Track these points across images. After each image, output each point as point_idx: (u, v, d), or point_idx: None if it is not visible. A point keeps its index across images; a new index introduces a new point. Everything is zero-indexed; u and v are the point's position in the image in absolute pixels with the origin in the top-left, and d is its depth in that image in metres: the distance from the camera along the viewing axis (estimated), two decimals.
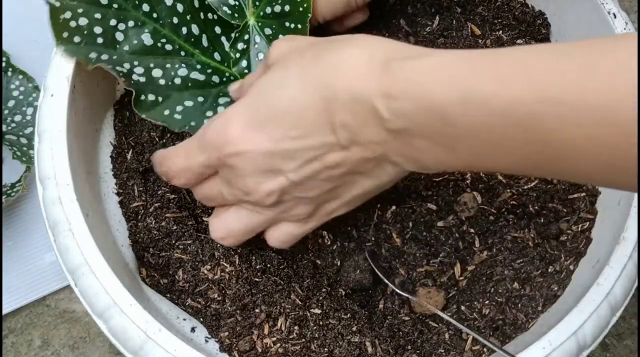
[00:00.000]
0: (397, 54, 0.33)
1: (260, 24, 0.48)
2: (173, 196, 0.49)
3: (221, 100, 0.47)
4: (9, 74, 0.63)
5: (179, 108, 0.45)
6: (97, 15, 0.44)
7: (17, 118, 0.63)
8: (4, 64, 0.63)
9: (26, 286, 0.60)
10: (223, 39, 0.49)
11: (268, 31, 0.48)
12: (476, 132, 0.31)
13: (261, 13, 0.48)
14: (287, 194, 0.38)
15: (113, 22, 0.44)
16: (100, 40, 0.44)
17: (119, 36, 0.45)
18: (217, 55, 0.48)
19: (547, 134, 0.29)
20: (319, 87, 0.34)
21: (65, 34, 0.43)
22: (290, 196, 0.38)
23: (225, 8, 0.47)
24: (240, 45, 0.48)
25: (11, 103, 0.63)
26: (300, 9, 0.47)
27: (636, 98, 0.26)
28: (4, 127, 0.62)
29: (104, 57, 0.44)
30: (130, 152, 0.50)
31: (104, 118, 0.51)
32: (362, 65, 0.33)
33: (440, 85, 0.31)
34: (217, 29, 0.48)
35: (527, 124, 0.29)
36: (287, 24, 0.48)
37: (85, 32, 0.44)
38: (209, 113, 0.45)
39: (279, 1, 0.48)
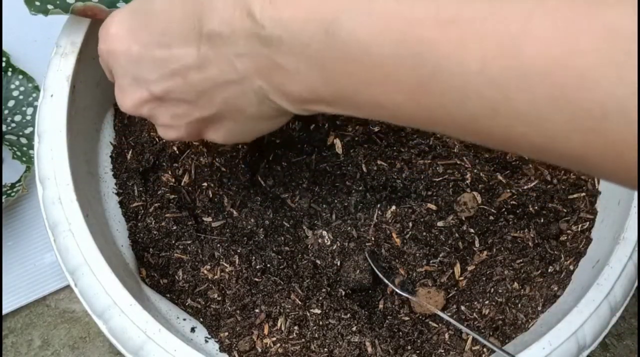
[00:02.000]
0: None
1: None
2: (173, 196, 0.49)
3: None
4: (9, 74, 0.63)
5: None
6: None
7: (17, 118, 0.63)
8: (4, 64, 0.63)
9: (26, 286, 0.60)
10: None
11: None
12: (361, 51, 0.27)
13: None
14: (156, 109, 0.36)
15: None
16: None
17: None
18: None
19: (438, 62, 0.25)
20: None
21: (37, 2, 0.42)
22: (159, 113, 0.36)
23: None
24: None
25: (11, 103, 0.63)
26: None
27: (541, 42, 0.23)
28: (4, 127, 0.62)
29: None
30: (130, 152, 0.50)
31: (104, 118, 0.51)
32: None
33: None
34: None
35: (422, 47, 0.25)
36: None
37: None
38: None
39: None
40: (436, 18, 0.25)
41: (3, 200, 0.56)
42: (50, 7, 0.43)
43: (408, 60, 0.26)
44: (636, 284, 0.44)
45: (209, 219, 0.49)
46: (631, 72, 0.21)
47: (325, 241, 0.48)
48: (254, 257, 0.47)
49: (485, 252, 0.48)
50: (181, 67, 0.33)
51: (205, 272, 0.47)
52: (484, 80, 0.24)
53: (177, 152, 0.50)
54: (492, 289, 0.47)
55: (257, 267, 0.46)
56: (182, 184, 0.50)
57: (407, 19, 0.26)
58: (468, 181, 0.49)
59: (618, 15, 0.21)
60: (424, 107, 0.27)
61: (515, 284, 0.47)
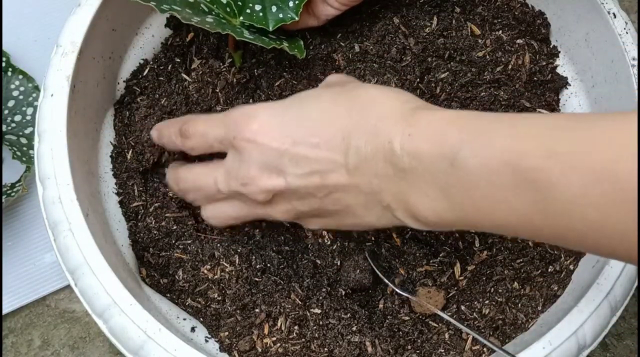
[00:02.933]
0: (425, 105, 0.36)
1: None
2: (173, 196, 0.49)
3: (209, 17, 0.46)
4: (9, 74, 0.63)
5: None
6: None
7: (17, 118, 0.63)
8: (4, 64, 0.63)
9: (26, 286, 0.60)
10: None
11: None
12: (481, 180, 0.31)
13: None
14: (280, 197, 0.39)
15: None
16: None
17: None
18: None
19: (549, 190, 0.29)
20: (351, 110, 0.36)
21: None
22: (282, 200, 0.40)
23: None
24: None
25: (11, 103, 0.63)
26: None
27: (636, 166, 0.27)
28: (4, 127, 0.62)
29: None
30: (130, 152, 0.50)
31: (104, 118, 0.51)
32: (396, 106, 0.36)
33: (458, 132, 0.32)
34: None
35: (532, 176, 0.29)
36: None
37: None
38: (196, 18, 0.44)
39: None
40: (541, 152, 0.29)
41: (3, 200, 0.56)
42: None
43: (522, 188, 0.30)
44: (636, 284, 0.44)
45: None
46: None
47: (325, 241, 0.48)
48: (254, 257, 0.47)
49: (485, 252, 0.48)
50: (323, 169, 0.37)
51: (206, 272, 0.47)
52: (586, 203, 0.28)
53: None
54: (492, 289, 0.47)
55: (257, 267, 0.46)
56: None
57: (520, 151, 0.30)
58: None
59: None
60: (535, 227, 0.31)
61: (516, 284, 0.47)
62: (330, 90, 0.39)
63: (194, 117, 0.44)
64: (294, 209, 0.40)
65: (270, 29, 0.48)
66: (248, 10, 0.48)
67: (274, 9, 0.48)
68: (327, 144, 0.36)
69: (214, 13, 0.47)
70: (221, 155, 0.42)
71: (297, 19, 0.48)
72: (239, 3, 0.48)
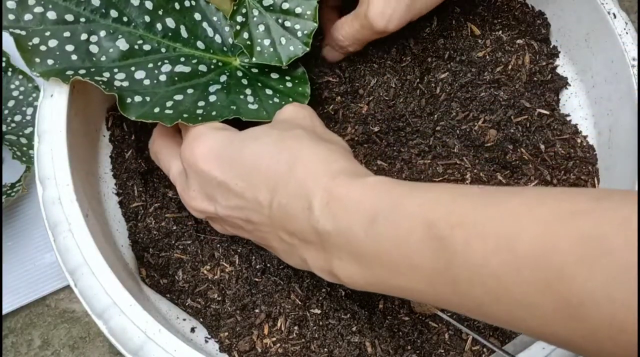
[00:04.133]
0: (352, 170, 0.37)
1: None
2: (173, 196, 0.49)
3: (212, 88, 0.45)
4: (9, 74, 0.63)
5: (169, 103, 0.43)
6: (67, 34, 0.43)
7: (17, 118, 0.63)
8: (4, 64, 0.63)
9: (26, 286, 0.60)
10: (205, 24, 0.47)
11: (268, 2, 0.47)
12: (392, 247, 0.32)
13: None
14: (213, 219, 0.43)
15: (84, 36, 0.43)
16: (74, 57, 0.43)
17: (93, 48, 0.43)
18: (200, 44, 0.47)
19: (454, 257, 0.30)
20: (282, 162, 0.38)
21: (37, 59, 0.42)
22: (215, 221, 0.43)
23: None
24: (238, 18, 0.47)
25: (11, 103, 0.63)
26: None
27: (534, 237, 0.27)
28: (4, 127, 0.62)
29: (81, 71, 0.42)
30: (130, 152, 0.50)
31: (104, 118, 0.51)
32: (321, 168, 0.37)
33: (374, 200, 0.33)
34: (197, 16, 0.47)
35: (439, 244, 0.30)
36: None
37: (57, 53, 0.43)
38: (201, 103, 0.44)
39: None
40: (448, 220, 0.30)
41: (3, 200, 0.56)
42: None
43: (427, 255, 0.31)
44: None
45: None
46: (601, 269, 0.25)
47: None
48: (253, 257, 0.47)
49: None
50: (249, 207, 0.38)
51: (205, 272, 0.47)
52: (486, 272, 0.29)
53: None
54: None
55: (257, 267, 0.46)
56: None
57: (426, 220, 0.31)
58: (468, 181, 0.49)
59: (592, 224, 0.26)
60: (441, 293, 0.31)
61: None
62: (272, 136, 0.40)
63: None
64: (227, 230, 0.43)
65: (284, 65, 0.47)
66: (258, 48, 0.47)
67: (283, 40, 0.47)
68: (253, 189, 0.38)
69: (211, 66, 0.47)
70: None
71: (308, 49, 0.47)
72: (248, 43, 0.47)
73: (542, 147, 0.50)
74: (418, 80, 0.51)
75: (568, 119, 0.53)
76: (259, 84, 0.47)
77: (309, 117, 0.43)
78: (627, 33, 0.49)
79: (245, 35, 0.47)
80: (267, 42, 0.47)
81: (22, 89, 0.63)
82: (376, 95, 0.50)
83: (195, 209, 0.42)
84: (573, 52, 0.55)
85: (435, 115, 0.50)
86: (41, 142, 0.44)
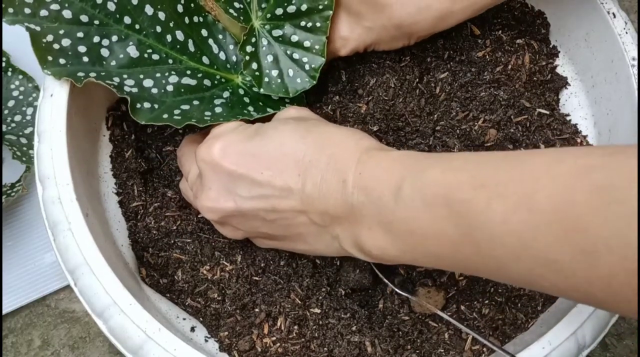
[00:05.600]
0: (377, 145, 0.39)
1: (267, 26, 0.48)
2: (173, 196, 0.49)
3: (217, 101, 0.46)
4: (9, 74, 0.63)
5: (177, 111, 0.44)
6: (80, 34, 0.43)
7: (17, 118, 0.63)
8: (4, 64, 0.63)
9: (26, 286, 0.60)
10: (211, 41, 0.48)
11: (278, 32, 0.48)
12: (419, 213, 0.33)
13: (268, 15, 0.48)
14: (229, 218, 0.42)
15: (96, 39, 0.44)
16: (85, 59, 0.43)
17: (105, 52, 0.44)
18: (205, 59, 0.48)
19: (475, 219, 0.31)
20: (309, 147, 0.38)
21: (49, 57, 0.42)
22: (230, 221, 0.42)
23: (231, 10, 0.47)
24: (248, 48, 0.48)
25: (11, 103, 0.63)
26: (320, 6, 0.47)
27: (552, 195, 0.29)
28: (4, 127, 0.62)
29: (92, 74, 0.43)
30: (130, 151, 0.50)
31: (104, 118, 0.51)
32: (351, 144, 0.38)
33: (401, 169, 0.35)
34: (204, 32, 0.48)
35: (462, 207, 0.31)
36: (303, 23, 0.48)
37: (70, 53, 0.43)
38: (207, 113, 0.45)
39: (293, 1, 0.47)
40: (471, 183, 0.31)
41: (3, 200, 0.56)
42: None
43: (452, 218, 0.32)
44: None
45: None
46: (613, 217, 0.26)
47: None
48: (254, 256, 0.47)
49: None
50: (277, 195, 0.39)
51: (205, 272, 0.47)
52: (506, 230, 0.30)
53: (177, 150, 0.50)
54: (492, 289, 0.47)
55: (257, 266, 0.46)
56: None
57: (449, 185, 0.32)
58: None
59: (604, 176, 0.28)
60: (464, 256, 0.33)
61: None
62: (291, 124, 0.41)
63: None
64: (240, 231, 0.43)
65: (291, 95, 0.48)
66: (266, 79, 0.48)
67: (290, 72, 0.48)
68: (282, 175, 0.38)
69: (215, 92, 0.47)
70: None
71: (315, 83, 0.48)
72: (257, 73, 0.47)
73: (542, 146, 0.50)
74: (417, 80, 0.51)
75: (568, 118, 0.53)
76: (260, 104, 0.48)
77: (312, 114, 0.44)
78: (626, 33, 0.49)
79: (254, 65, 0.48)
80: (275, 73, 0.48)
81: (22, 89, 0.63)
82: (375, 95, 0.50)
83: (212, 210, 0.41)
84: (573, 52, 0.55)
85: (435, 115, 0.50)
86: (41, 141, 0.44)
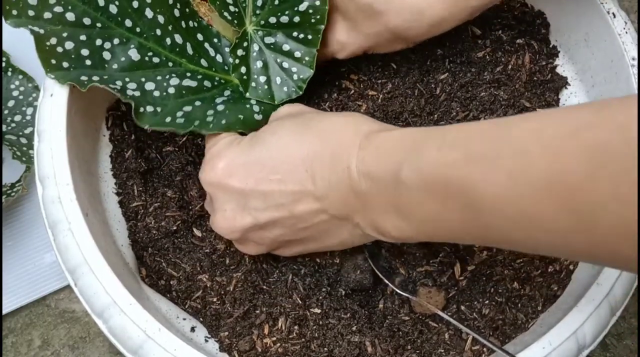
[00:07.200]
0: (377, 127, 0.38)
1: (260, 32, 0.48)
2: (172, 196, 0.49)
3: (218, 100, 0.46)
4: (9, 74, 0.63)
5: (179, 113, 0.45)
6: (83, 37, 0.43)
7: (17, 118, 0.63)
8: (4, 64, 0.63)
9: (26, 286, 0.60)
10: (206, 45, 0.48)
11: (270, 40, 0.48)
12: (422, 194, 0.33)
13: (262, 22, 0.48)
14: (249, 234, 0.41)
15: (99, 42, 0.44)
16: (88, 62, 0.43)
17: (107, 55, 0.44)
18: (203, 62, 0.48)
19: (474, 193, 0.31)
20: (310, 141, 0.38)
21: (53, 61, 0.43)
22: (251, 236, 0.42)
23: (226, 14, 0.47)
24: (239, 52, 0.48)
25: (11, 103, 0.63)
26: (313, 20, 0.47)
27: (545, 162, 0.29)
28: (4, 127, 0.62)
29: (95, 78, 0.43)
30: (130, 151, 0.50)
31: (104, 118, 0.51)
32: (350, 132, 0.38)
33: (400, 151, 0.35)
34: (199, 36, 0.48)
35: (459, 183, 0.32)
36: (295, 34, 0.48)
37: (73, 56, 0.43)
38: (210, 112, 0.45)
39: (287, 12, 0.47)
40: (465, 159, 0.31)
41: (3, 200, 0.56)
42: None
43: (455, 195, 0.32)
44: (636, 284, 0.44)
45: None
46: (606, 176, 0.26)
47: None
48: (254, 257, 0.47)
49: (485, 252, 0.48)
50: (291, 200, 0.39)
51: (205, 272, 0.47)
52: (504, 201, 0.30)
53: (177, 150, 0.50)
54: (492, 289, 0.47)
55: (258, 265, 0.46)
56: (182, 184, 0.50)
57: (446, 163, 0.32)
58: None
59: (593, 135, 0.27)
60: (473, 230, 0.33)
61: (515, 284, 0.47)
62: (287, 123, 0.41)
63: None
64: (263, 245, 0.42)
65: (276, 103, 0.48)
66: (253, 84, 0.48)
67: (278, 80, 0.48)
68: (291, 178, 0.38)
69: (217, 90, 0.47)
70: None
71: (301, 93, 0.48)
72: (244, 77, 0.48)
73: None
74: (418, 80, 0.51)
75: None
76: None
77: (305, 107, 0.44)
78: (626, 33, 0.49)
79: (243, 69, 0.48)
80: (262, 79, 0.48)
81: (22, 89, 0.63)
82: (375, 94, 0.51)
83: (231, 230, 0.41)
84: (573, 52, 0.55)
85: (435, 115, 0.50)
86: (41, 141, 0.44)
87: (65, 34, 0.43)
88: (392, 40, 0.48)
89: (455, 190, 0.32)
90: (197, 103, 0.45)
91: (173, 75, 0.46)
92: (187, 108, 0.45)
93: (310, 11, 0.47)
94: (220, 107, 0.46)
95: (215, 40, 0.49)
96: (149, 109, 0.44)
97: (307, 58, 0.48)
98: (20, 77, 0.63)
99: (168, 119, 0.44)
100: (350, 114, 0.41)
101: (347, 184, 0.37)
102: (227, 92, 0.47)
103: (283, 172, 0.38)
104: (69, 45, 0.43)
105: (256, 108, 0.47)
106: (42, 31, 0.42)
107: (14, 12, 0.42)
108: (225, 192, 0.40)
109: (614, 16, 0.50)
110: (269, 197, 0.39)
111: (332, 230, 0.40)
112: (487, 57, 0.53)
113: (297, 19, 0.47)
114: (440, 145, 0.33)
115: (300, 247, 0.43)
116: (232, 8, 0.48)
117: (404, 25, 0.46)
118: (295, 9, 0.47)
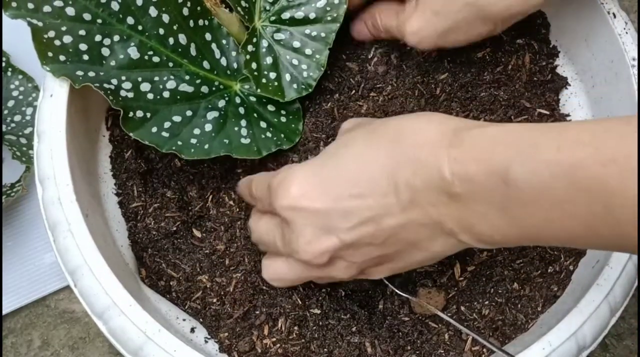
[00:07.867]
0: (464, 124, 0.35)
1: (270, 29, 0.48)
2: (172, 196, 0.49)
3: (209, 114, 0.46)
4: (9, 74, 0.63)
5: (167, 124, 0.44)
6: (82, 32, 0.43)
7: (17, 118, 0.63)
8: (4, 64, 0.63)
9: (26, 286, 0.60)
10: (214, 45, 0.48)
11: (280, 36, 0.48)
12: (537, 195, 0.31)
13: (272, 18, 0.48)
14: (338, 256, 0.38)
15: (98, 37, 0.43)
16: (86, 57, 0.43)
17: (105, 51, 0.44)
18: (206, 64, 0.47)
19: (610, 197, 0.29)
20: (387, 148, 0.36)
21: (50, 54, 0.42)
22: (340, 258, 0.38)
23: (239, 9, 0.47)
24: (249, 48, 0.48)
25: (11, 103, 0.63)
26: (329, 17, 0.47)
27: None
28: (3, 127, 0.62)
29: (91, 74, 0.43)
30: (130, 152, 0.50)
31: (104, 118, 0.51)
32: (433, 131, 0.35)
33: (505, 149, 0.32)
34: (208, 36, 0.48)
35: (589, 185, 0.29)
36: (308, 31, 0.48)
37: (71, 50, 0.43)
38: (196, 131, 0.45)
39: (302, 7, 0.47)
40: (597, 159, 0.29)
41: (3, 200, 0.56)
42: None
43: (581, 198, 0.30)
44: (636, 284, 0.44)
45: (210, 216, 0.49)
46: None
47: None
48: (254, 257, 0.47)
49: (485, 253, 0.48)
50: (376, 215, 0.36)
51: (205, 272, 0.47)
52: None
53: None
54: (492, 290, 0.47)
55: (257, 267, 0.46)
56: (182, 184, 0.50)
57: (571, 163, 0.30)
58: None
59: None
60: (602, 237, 0.30)
61: (515, 285, 0.47)
62: (359, 132, 0.38)
63: (257, 179, 0.43)
64: (354, 264, 0.39)
65: (285, 100, 0.47)
66: (264, 80, 0.47)
67: (287, 77, 0.48)
68: (372, 190, 0.35)
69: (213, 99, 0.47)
70: None
71: (310, 92, 0.48)
72: (255, 73, 0.47)
73: None
74: (418, 80, 0.51)
75: (568, 119, 0.53)
76: (255, 115, 0.48)
77: (370, 119, 0.42)
78: (627, 33, 0.49)
79: (254, 65, 0.47)
80: (272, 75, 0.48)
81: (22, 89, 0.63)
82: (375, 94, 0.50)
83: (316, 254, 0.38)
84: (573, 52, 0.55)
85: None
86: (41, 142, 0.44)
87: (64, 28, 0.43)
88: (472, 21, 0.45)
89: (584, 194, 0.29)
90: (188, 113, 0.45)
91: (171, 77, 0.46)
92: (176, 118, 0.44)
93: (328, 8, 0.47)
94: (208, 127, 0.45)
95: (224, 41, 0.49)
96: (139, 114, 0.43)
97: (317, 56, 0.48)
98: (20, 77, 0.63)
99: (154, 130, 0.43)
100: (424, 113, 0.38)
101: (436, 186, 0.34)
102: (221, 103, 0.47)
103: (362, 185, 0.36)
104: (67, 39, 0.43)
105: (244, 131, 0.46)
106: (40, 24, 0.42)
107: (13, 4, 0.42)
108: (303, 216, 0.37)
109: (614, 16, 0.50)
110: (350, 214, 0.36)
111: (424, 241, 0.37)
112: (487, 57, 0.53)
113: (312, 15, 0.47)
114: (559, 145, 0.30)
115: (391, 265, 0.39)
116: (243, 3, 0.47)
117: None
118: (313, 5, 0.47)
